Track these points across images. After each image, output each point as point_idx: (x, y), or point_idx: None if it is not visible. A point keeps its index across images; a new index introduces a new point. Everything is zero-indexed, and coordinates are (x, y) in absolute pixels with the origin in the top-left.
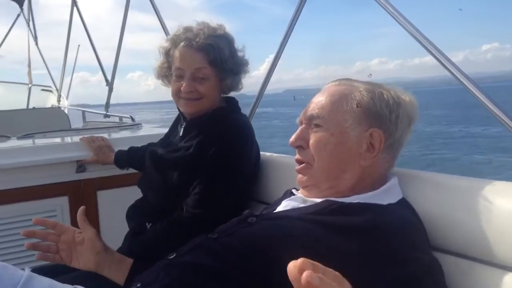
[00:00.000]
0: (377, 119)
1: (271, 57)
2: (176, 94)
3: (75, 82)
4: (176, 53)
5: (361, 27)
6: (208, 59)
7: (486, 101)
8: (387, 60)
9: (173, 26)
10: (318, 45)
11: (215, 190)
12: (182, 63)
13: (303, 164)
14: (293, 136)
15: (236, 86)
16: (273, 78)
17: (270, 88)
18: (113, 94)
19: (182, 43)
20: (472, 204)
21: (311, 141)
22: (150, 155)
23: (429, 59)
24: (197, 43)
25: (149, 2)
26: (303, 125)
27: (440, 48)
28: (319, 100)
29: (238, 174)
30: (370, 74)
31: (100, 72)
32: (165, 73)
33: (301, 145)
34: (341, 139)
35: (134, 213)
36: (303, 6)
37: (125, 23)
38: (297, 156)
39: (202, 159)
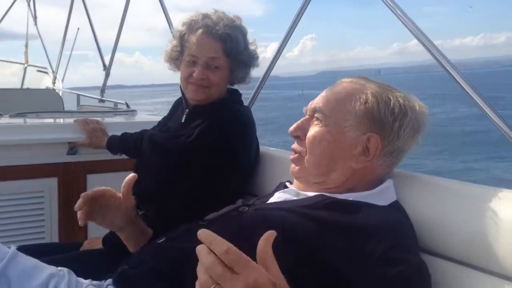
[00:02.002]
0: (378, 124)
1: (305, 38)
2: (186, 79)
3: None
4: (192, 38)
5: (403, 6)
6: (224, 49)
7: (466, 86)
8: None
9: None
10: (351, 24)
11: (212, 178)
12: (198, 50)
13: (296, 155)
14: (293, 126)
15: (244, 78)
16: (307, 59)
17: (304, 70)
18: (147, 74)
19: (200, 30)
20: (465, 209)
21: (308, 134)
22: (150, 139)
23: (470, 39)
24: (216, 32)
25: None
26: (306, 116)
27: (480, 28)
28: (326, 95)
29: (237, 165)
30: (380, 71)
31: (137, 53)
32: (176, 57)
33: (298, 136)
34: (336, 137)
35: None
36: None
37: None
38: (294, 145)
39: (202, 146)
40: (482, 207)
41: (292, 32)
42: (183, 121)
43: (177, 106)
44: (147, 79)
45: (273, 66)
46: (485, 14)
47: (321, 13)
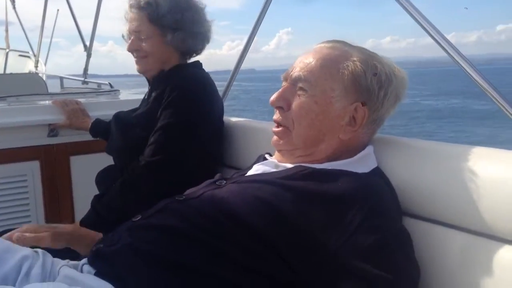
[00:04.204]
0: (365, 93)
1: (282, 32)
2: (132, 55)
3: (83, 52)
4: (128, 17)
5: (375, 3)
6: (148, 16)
7: (481, 81)
8: (399, 38)
9: None
10: (330, 20)
11: (171, 136)
12: (129, 24)
13: (281, 128)
14: (275, 95)
15: (182, 42)
16: (283, 53)
17: (281, 64)
18: (120, 64)
19: (130, 6)
20: (445, 169)
21: (293, 105)
22: (115, 117)
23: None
24: (138, 3)
25: None
26: (287, 85)
27: (451, 27)
28: (308, 62)
29: (196, 123)
30: None
31: (110, 42)
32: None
33: (281, 106)
34: (324, 108)
35: (103, 178)
36: None
37: None
38: (277, 117)
39: (159, 109)
40: (461, 167)
41: (259, 27)
42: (146, 97)
43: None
44: (120, 69)
45: (243, 59)
46: (456, 13)
47: (298, 9)
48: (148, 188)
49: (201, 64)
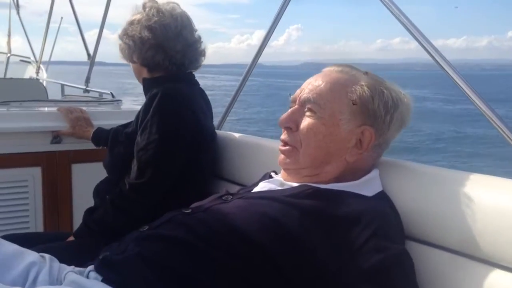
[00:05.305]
0: (372, 117)
1: (292, 28)
2: None
3: (95, 39)
4: None
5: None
6: None
7: (464, 86)
8: (409, 40)
9: None
10: (339, 18)
11: (151, 157)
12: None
13: (288, 147)
14: (285, 116)
15: (134, 56)
16: (292, 49)
17: (289, 60)
18: None
19: None
20: (451, 196)
21: (301, 126)
22: (113, 133)
23: (452, 41)
24: None
25: None
26: (296, 106)
27: (463, 30)
28: (318, 84)
29: (171, 139)
30: None
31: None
32: None
33: (290, 127)
34: (332, 130)
35: (99, 190)
36: None
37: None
38: (284, 137)
39: (138, 129)
40: (465, 193)
41: (278, 21)
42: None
43: None
44: None
45: (261, 54)
46: (468, 17)
47: (307, 7)
48: (136, 209)
49: (191, 76)
